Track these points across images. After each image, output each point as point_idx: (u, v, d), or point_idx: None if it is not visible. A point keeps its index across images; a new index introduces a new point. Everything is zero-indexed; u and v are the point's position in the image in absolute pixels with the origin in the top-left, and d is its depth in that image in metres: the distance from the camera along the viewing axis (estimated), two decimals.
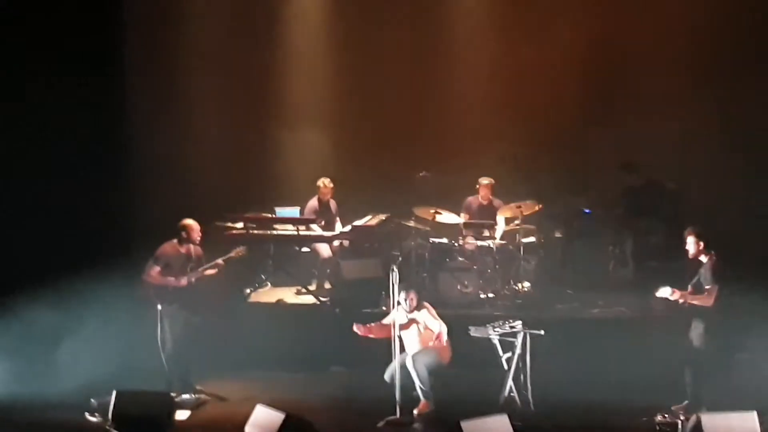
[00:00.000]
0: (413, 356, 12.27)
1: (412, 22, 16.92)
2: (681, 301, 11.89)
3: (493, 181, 15.55)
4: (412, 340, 12.42)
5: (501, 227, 15.33)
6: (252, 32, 16.75)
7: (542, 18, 16.52)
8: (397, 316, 12.18)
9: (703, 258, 11.99)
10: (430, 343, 12.32)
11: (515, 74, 16.47)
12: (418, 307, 12.45)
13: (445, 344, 12.34)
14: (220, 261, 13.08)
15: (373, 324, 12.49)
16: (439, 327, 12.32)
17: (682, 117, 15.87)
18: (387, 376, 12.23)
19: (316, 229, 15.30)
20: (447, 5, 16.92)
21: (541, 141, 16.14)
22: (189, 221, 12.99)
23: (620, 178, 15.88)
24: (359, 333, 12.36)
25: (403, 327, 12.31)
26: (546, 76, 16.36)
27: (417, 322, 12.37)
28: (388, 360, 12.11)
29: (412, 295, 12.42)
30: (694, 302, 11.89)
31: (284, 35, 16.93)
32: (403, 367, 12.16)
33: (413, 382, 12.21)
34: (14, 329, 13.33)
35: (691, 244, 12.02)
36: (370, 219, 15.68)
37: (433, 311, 12.50)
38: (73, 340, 13.53)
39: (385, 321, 12.43)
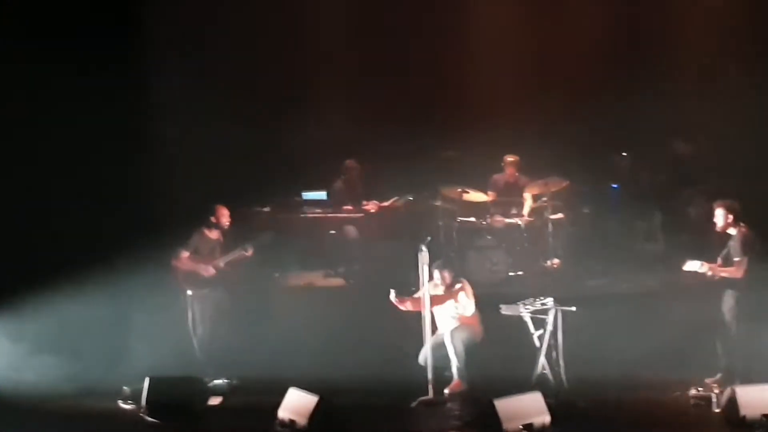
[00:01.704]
0: (452, 332, 12.26)
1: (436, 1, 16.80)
2: (710, 273, 11.83)
3: (518, 158, 15.50)
4: (446, 317, 12.40)
5: (528, 204, 15.29)
6: (273, 16, 16.70)
7: None
8: (427, 293, 12.14)
9: (732, 230, 11.93)
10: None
11: (541, 48, 16.29)
12: (453, 284, 12.44)
13: (471, 327, 12.34)
14: (248, 247, 13.10)
15: (407, 297, 12.47)
16: (472, 309, 12.32)
17: (719, 91, 15.61)
18: (421, 359, 12.22)
19: (343, 211, 15.30)
20: None
21: (568, 115, 15.97)
22: (218, 206, 13.02)
23: (665, 147, 15.68)
24: (396, 303, 12.32)
25: (436, 302, 12.28)
26: (573, 47, 16.20)
27: (452, 298, 12.36)
28: (420, 339, 12.10)
29: (446, 273, 12.43)
30: (724, 274, 11.84)
31: (306, 16, 16.85)
32: (436, 346, 12.15)
33: (445, 362, 12.20)
34: (47, 318, 13.40)
35: (719, 216, 11.95)
36: (397, 200, 15.66)
37: (469, 288, 12.47)
38: (104, 328, 13.59)
39: (417, 295, 12.37)
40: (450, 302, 12.39)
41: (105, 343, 13.46)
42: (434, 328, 12.28)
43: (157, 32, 15.58)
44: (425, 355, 12.10)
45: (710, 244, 12.51)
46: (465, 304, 12.37)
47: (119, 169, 14.32)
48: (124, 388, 12.44)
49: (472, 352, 12.31)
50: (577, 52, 16.21)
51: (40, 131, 14.04)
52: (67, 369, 13.11)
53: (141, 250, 13.40)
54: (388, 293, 12.32)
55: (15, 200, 13.70)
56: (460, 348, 12.19)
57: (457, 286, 12.47)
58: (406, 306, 12.37)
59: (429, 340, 12.03)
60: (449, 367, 12.30)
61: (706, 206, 13.34)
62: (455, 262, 14.60)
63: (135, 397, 12.07)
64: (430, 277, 12.23)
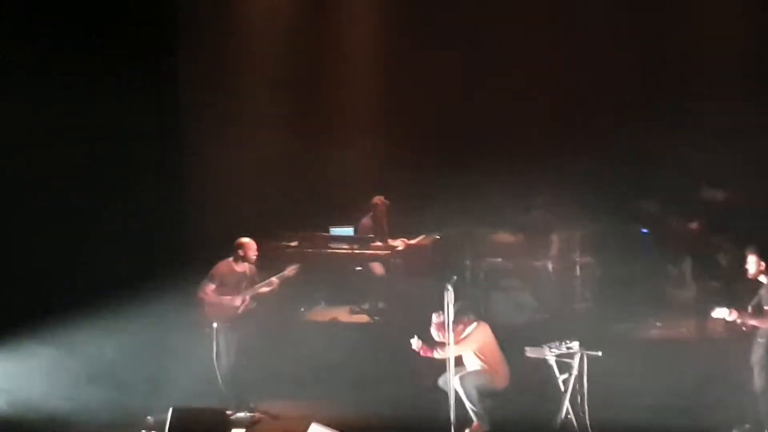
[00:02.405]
0: (461, 376, 12.12)
1: (464, 36, 16.80)
2: (739, 321, 11.72)
3: (547, 200, 15.45)
4: (469, 360, 12.32)
5: (556, 246, 15.22)
6: (306, 49, 16.77)
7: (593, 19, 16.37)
8: (453, 336, 12.03)
9: (763, 278, 11.82)
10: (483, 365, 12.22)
11: (575, 90, 16.30)
12: (464, 330, 12.27)
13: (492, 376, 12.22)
14: (274, 279, 13.10)
15: (431, 348, 12.29)
16: (497, 363, 12.18)
17: (753, 135, 15.51)
18: (440, 382, 12.10)
19: (370, 248, 15.28)
20: (500, 21, 16.79)
21: (599, 158, 15.93)
22: (245, 239, 13.02)
23: (696, 192, 15.61)
24: (420, 352, 12.17)
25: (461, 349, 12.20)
26: (606, 91, 16.19)
27: (471, 346, 12.26)
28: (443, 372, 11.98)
29: (460, 325, 12.23)
30: (753, 323, 11.72)
31: (337, 49, 16.92)
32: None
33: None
34: (70, 348, 13.40)
35: (752, 263, 11.84)
36: (424, 238, 15.63)
37: (481, 332, 12.30)
38: (129, 358, 13.59)
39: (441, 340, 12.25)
40: (471, 345, 12.27)
41: (129, 373, 13.44)
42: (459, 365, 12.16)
43: (189, 65, 15.67)
44: (445, 379, 11.97)
45: (740, 292, 12.41)
46: (486, 350, 12.21)
47: (149, 200, 14.33)
48: (148, 418, 12.41)
49: (492, 396, 12.19)
50: (610, 95, 16.22)
51: (72, 162, 14.07)
52: (90, 398, 13.07)
53: (168, 282, 13.40)
54: (412, 333, 12.18)
55: (47, 230, 13.72)
56: (472, 393, 12.04)
57: (468, 330, 12.31)
58: (431, 354, 12.17)
59: (451, 378, 11.87)
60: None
61: (737, 253, 13.23)
62: (481, 302, 14.55)
63: (158, 427, 11.97)
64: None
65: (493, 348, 12.34)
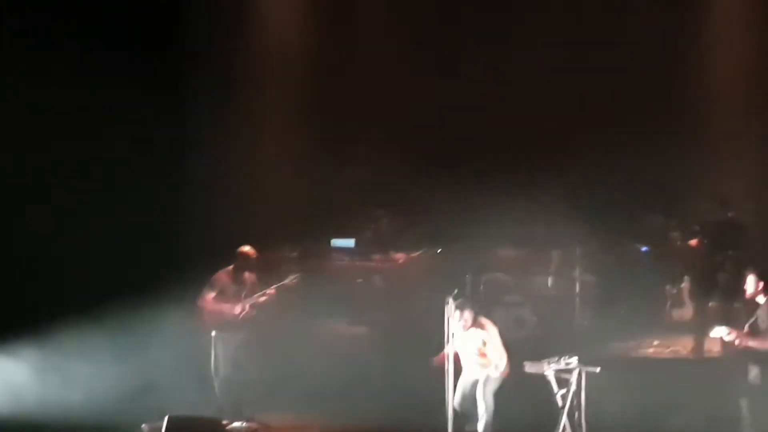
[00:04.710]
0: (485, 382, 12.05)
1: (472, 50, 16.83)
2: (737, 342, 11.70)
3: (549, 217, 15.47)
4: (470, 357, 12.22)
5: (557, 263, 15.24)
6: (309, 60, 16.80)
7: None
8: (453, 347, 12.02)
9: (761, 299, 11.80)
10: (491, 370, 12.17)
11: (578, 105, 16.33)
12: (476, 326, 12.26)
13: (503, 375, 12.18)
14: (273, 289, 13.10)
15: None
16: (498, 358, 12.13)
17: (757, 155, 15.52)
18: (456, 404, 12.07)
19: (371, 260, 15.30)
20: (503, 36, 16.81)
21: (600, 174, 15.96)
22: (246, 248, 13.03)
23: (704, 211, 15.57)
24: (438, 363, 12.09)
25: (461, 347, 12.14)
26: (610, 106, 16.21)
27: (474, 342, 12.22)
28: (443, 388, 11.97)
29: (467, 314, 12.24)
30: (751, 344, 11.70)
31: (341, 62, 16.95)
32: (464, 392, 12.03)
33: (470, 411, 12.03)
34: (67, 354, 13.41)
35: (751, 283, 11.80)
36: (424, 252, 15.65)
37: (494, 331, 12.23)
38: (126, 365, 13.58)
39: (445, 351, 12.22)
40: (472, 343, 12.21)
41: (126, 380, 13.43)
42: (458, 370, 12.08)
43: (196, 72, 15.71)
44: (458, 401, 11.95)
45: (739, 312, 12.40)
46: (490, 348, 12.16)
47: (150, 207, 14.36)
48: (143, 425, 12.42)
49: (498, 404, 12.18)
50: (614, 111, 16.23)
51: (71, 166, 14.10)
52: (87, 404, 13.07)
53: (167, 289, 13.42)
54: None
55: (46, 235, 13.74)
56: (491, 401, 12.02)
57: (480, 330, 12.25)
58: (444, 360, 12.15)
59: (459, 387, 11.83)
60: (473, 420, 12.14)
61: (736, 273, 13.22)
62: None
63: None
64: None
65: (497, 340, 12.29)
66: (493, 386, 12.07)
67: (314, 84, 16.76)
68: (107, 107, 13.98)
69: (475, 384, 12.06)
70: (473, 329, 12.13)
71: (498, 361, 12.09)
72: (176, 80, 15.35)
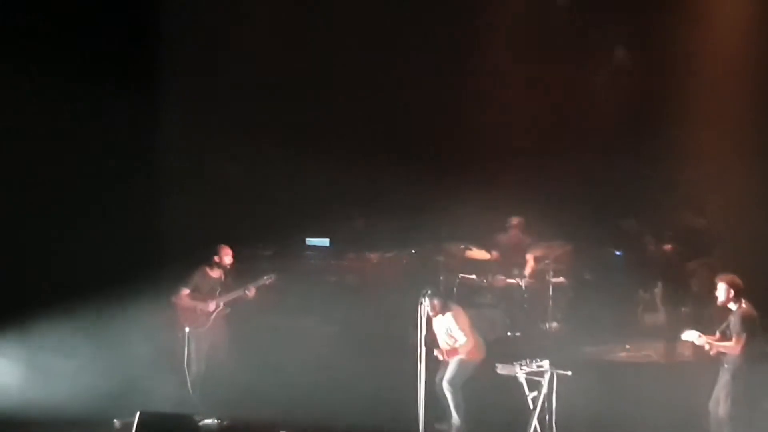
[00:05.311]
0: (448, 380, 12.27)
1: (449, 47, 16.84)
2: (707, 346, 11.79)
3: (523, 219, 15.54)
4: (443, 343, 12.44)
5: (530, 266, 15.30)
6: (286, 59, 16.77)
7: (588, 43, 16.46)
8: (426, 334, 12.13)
9: (732, 306, 11.89)
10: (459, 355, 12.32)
11: (553, 109, 16.38)
12: (443, 311, 12.43)
13: (464, 356, 12.34)
14: (250, 287, 13.12)
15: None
16: (463, 339, 12.30)
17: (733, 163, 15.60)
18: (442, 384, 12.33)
19: (345, 259, 15.33)
20: (489, 42, 16.85)
21: (576, 178, 16.02)
22: (221, 246, 13.05)
23: (671, 217, 15.68)
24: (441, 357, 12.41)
25: (430, 336, 12.29)
26: (584, 110, 16.27)
27: (441, 329, 12.37)
28: (414, 384, 12.05)
29: (435, 301, 12.35)
30: (721, 349, 11.78)
31: (317, 64, 16.92)
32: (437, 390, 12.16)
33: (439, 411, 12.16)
34: (39, 349, 13.39)
35: (721, 291, 11.88)
36: (398, 252, 15.68)
37: (463, 317, 12.46)
38: (98, 360, 13.57)
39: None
40: (443, 329, 12.38)
41: (99, 375, 13.41)
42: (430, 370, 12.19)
43: (170, 72, 15.68)
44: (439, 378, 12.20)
45: (711, 318, 12.50)
46: (455, 332, 12.35)
47: (127, 204, 14.35)
48: (115, 421, 12.41)
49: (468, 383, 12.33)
50: (589, 115, 16.29)
51: (50, 164, 14.08)
52: (58, 399, 13.04)
53: (142, 285, 13.42)
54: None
55: (23, 231, 13.72)
56: (459, 391, 12.15)
57: (447, 315, 12.43)
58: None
59: (422, 388, 11.94)
60: (443, 418, 12.22)
61: (709, 279, 13.32)
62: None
63: (125, 431, 12.01)
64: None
65: (467, 323, 12.52)
66: (463, 373, 12.18)
67: (292, 84, 16.73)
68: (81, 106, 13.97)
69: (444, 375, 12.19)
70: (441, 315, 12.34)
71: (463, 341, 12.23)
72: (150, 79, 15.32)
